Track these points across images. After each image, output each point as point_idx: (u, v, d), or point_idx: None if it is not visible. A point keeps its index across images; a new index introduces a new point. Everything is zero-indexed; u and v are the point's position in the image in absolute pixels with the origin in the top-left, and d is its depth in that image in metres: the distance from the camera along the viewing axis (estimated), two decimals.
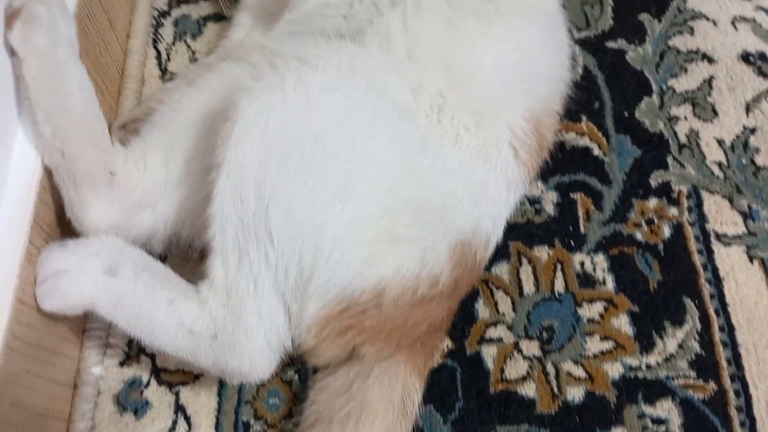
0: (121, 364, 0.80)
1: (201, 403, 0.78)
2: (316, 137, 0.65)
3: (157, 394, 0.79)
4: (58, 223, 0.71)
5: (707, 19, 1.05)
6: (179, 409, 0.78)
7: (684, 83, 1.00)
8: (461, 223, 0.72)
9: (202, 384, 0.79)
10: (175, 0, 1.04)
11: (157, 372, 0.80)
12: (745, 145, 0.96)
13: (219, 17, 1.03)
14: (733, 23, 1.05)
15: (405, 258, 0.67)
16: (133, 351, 0.80)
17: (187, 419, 0.78)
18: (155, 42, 1.00)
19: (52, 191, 0.70)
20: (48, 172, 0.69)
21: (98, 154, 0.69)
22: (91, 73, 0.81)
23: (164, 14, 1.03)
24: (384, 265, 0.66)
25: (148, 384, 0.79)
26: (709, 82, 1.00)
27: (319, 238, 0.64)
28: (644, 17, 1.05)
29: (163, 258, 0.80)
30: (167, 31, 1.01)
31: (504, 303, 0.85)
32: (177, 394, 0.79)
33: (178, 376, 0.79)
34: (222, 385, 0.79)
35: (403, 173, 0.68)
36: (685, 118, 0.98)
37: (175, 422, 0.77)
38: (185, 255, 0.80)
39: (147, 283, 0.67)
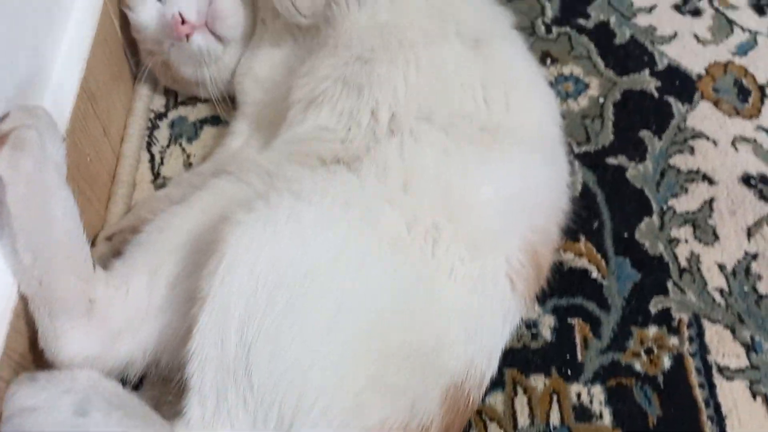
0: None
1: None
2: (305, 277, 0.62)
3: None
4: (30, 350, 0.68)
5: (707, 138, 1.04)
6: None
7: (684, 204, 0.99)
8: (454, 364, 0.69)
9: None
10: (172, 102, 1.03)
11: None
12: (747, 271, 0.93)
13: (216, 120, 1.03)
14: (733, 143, 1.04)
15: (393, 408, 0.64)
16: None
17: None
18: (149, 145, 0.99)
19: (27, 319, 0.67)
20: (23, 300, 0.66)
21: (78, 283, 0.66)
22: (79, 183, 0.80)
23: (161, 116, 1.02)
24: (370, 416, 0.62)
25: None
26: (709, 203, 0.99)
27: (302, 386, 0.61)
28: (645, 134, 1.05)
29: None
30: (162, 133, 1.00)
31: None
32: None
33: None
34: None
35: (394, 314, 0.65)
36: (686, 240, 0.96)
37: None
38: (163, 376, 0.77)
39: (119, 423, 0.63)
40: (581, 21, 1.18)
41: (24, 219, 0.64)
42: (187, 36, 0.86)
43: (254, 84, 0.94)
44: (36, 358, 0.69)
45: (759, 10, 1.20)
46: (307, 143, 0.80)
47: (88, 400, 0.63)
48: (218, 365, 0.62)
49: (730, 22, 1.18)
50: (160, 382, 0.77)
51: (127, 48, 0.97)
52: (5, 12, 0.69)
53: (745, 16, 1.19)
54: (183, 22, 0.85)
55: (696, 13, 1.19)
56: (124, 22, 0.94)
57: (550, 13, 1.18)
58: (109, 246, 0.84)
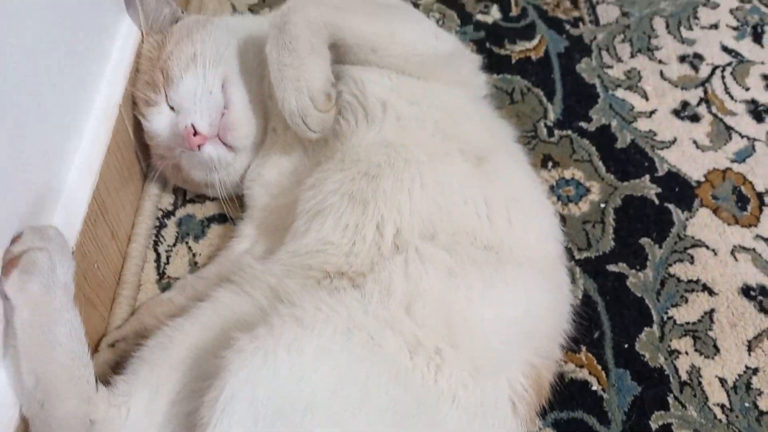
0: None
1: None
2: (305, 411, 0.63)
3: None
4: None
5: (707, 247, 1.06)
6: None
7: (685, 314, 0.99)
8: None
9: None
10: (180, 200, 1.05)
11: None
12: (748, 386, 0.93)
13: (223, 218, 1.04)
14: (733, 253, 1.05)
15: None
16: None
17: None
18: (156, 244, 1.00)
19: None
20: (24, 421, 0.66)
21: (79, 405, 0.67)
22: (85, 290, 0.81)
23: (168, 214, 1.04)
24: None
25: None
26: (710, 315, 0.99)
27: None
28: (645, 241, 1.06)
29: None
30: (169, 231, 1.02)
31: None
32: None
33: None
34: None
35: None
36: (686, 353, 0.96)
37: None
38: None
39: None
40: (583, 124, 1.21)
41: (29, 343, 0.65)
42: (199, 146, 0.89)
43: (263, 190, 0.96)
44: None
45: (757, 116, 1.23)
46: (312, 256, 0.81)
47: None
48: None
49: (729, 129, 1.21)
50: None
51: (139, 150, 0.99)
52: (20, 128, 0.71)
53: (743, 123, 1.22)
54: (195, 133, 0.88)
55: (695, 118, 1.22)
56: (137, 127, 0.96)
57: (552, 115, 1.21)
58: (112, 352, 0.85)
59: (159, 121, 0.93)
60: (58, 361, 0.66)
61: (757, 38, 1.35)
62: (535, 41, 1.33)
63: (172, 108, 0.92)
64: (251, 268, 0.84)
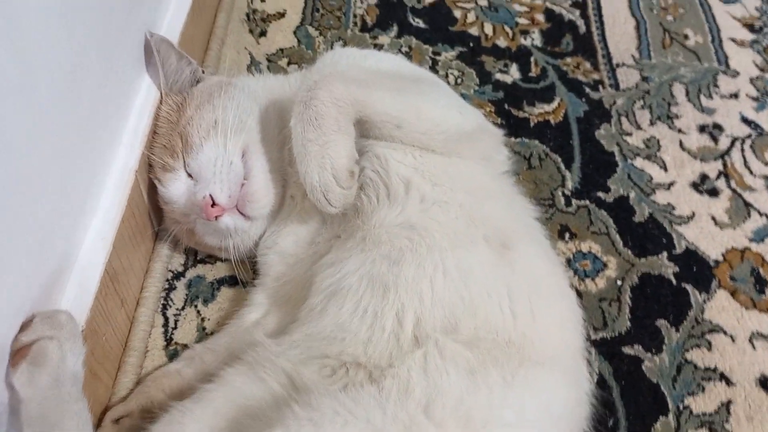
0: None
1: None
2: None
3: None
4: None
5: (725, 333, 1.04)
6: None
7: (701, 404, 0.98)
8: None
9: None
10: (191, 260, 1.03)
11: None
12: None
13: (234, 281, 1.02)
14: (751, 340, 1.04)
15: None
16: None
17: None
18: (164, 308, 0.98)
19: None
20: None
21: None
22: (91, 364, 0.79)
23: (178, 276, 1.02)
24: None
25: None
26: (726, 406, 0.98)
27: None
28: (661, 323, 1.05)
29: None
30: (179, 294, 1.00)
31: None
32: None
33: None
34: None
35: None
36: None
37: None
38: None
39: None
40: (601, 194, 1.19)
41: None
42: (216, 217, 0.87)
43: (278, 258, 0.95)
44: None
45: None
46: (329, 342, 0.79)
47: None
48: None
49: (748, 205, 1.20)
50: None
51: (152, 212, 0.97)
52: (36, 203, 0.69)
53: (762, 199, 1.21)
54: (213, 204, 0.86)
55: (713, 193, 1.22)
56: (152, 189, 0.94)
57: (570, 184, 1.20)
58: (116, 429, 0.82)
59: (176, 188, 0.91)
60: None
61: None
62: (554, 104, 1.32)
63: (189, 175, 0.91)
64: (264, 349, 0.82)
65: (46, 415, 0.64)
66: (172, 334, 0.97)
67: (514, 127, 1.28)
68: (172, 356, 0.95)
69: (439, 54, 1.40)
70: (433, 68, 1.36)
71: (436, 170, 0.88)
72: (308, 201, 0.91)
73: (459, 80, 1.35)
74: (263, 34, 1.37)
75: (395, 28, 1.44)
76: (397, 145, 0.89)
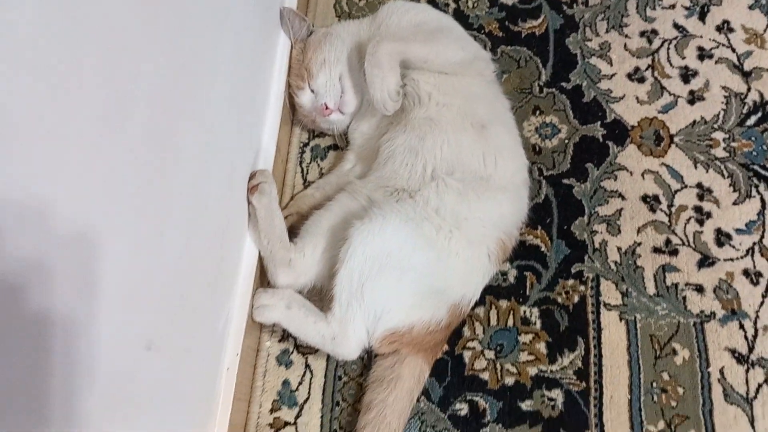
0: (279, 341, 1.62)
1: (318, 364, 1.60)
2: (389, 255, 1.44)
3: (296, 357, 1.61)
4: (264, 281, 1.54)
5: (627, 170, 1.79)
6: (307, 366, 1.60)
7: (605, 210, 1.75)
8: (455, 296, 1.52)
9: (319, 355, 1.61)
10: (312, 136, 1.84)
11: (297, 347, 1.62)
12: (633, 252, 1.69)
13: (336, 147, 1.83)
14: (642, 174, 1.76)
15: (424, 313, 1.47)
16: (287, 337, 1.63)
17: (311, 370, 1.60)
18: (300, 162, 1.80)
19: (261, 269, 1.52)
20: (260, 259, 1.51)
21: (284, 251, 1.52)
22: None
23: (305, 144, 1.83)
24: (414, 316, 1.46)
25: (292, 352, 1.62)
26: (620, 211, 1.74)
27: (386, 301, 1.44)
28: (588, 165, 1.78)
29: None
30: (307, 155, 1.83)
31: (478, 329, 1.63)
32: (306, 359, 1.61)
33: (308, 349, 1.61)
34: (329, 358, 1.61)
35: (426, 273, 1.47)
36: (601, 232, 1.71)
37: (304, 372, 1.60)
38: (320, 295, 1.61)
39: (305, 313, 1.49)
40: (564, 84, 1.89)
41: (263, 224, 1.52)
42: (327, 114, 1.65)
43: (359, 135, 1.75)
44: (267, 284, 1.54)
45: (685, 79, 1.86)
46: (389, 179, 1.60)
47: (291, 302, 1.50)
48: (348, 291, 1.46)
49: (663, 89, 1.86)
50: (318, 297, 1.61)
51: (290, 109, 1.76)
52: (236, 122, 1.50)
53: (674, 84, 1.87)
54: (326, 108, 1.63)
55: (641, 80, 1.88)
56: (291, 99, 1.73)
57: (543, 78, 1.90)
58: (286, 221, 1.68)
59: (305, 99, 1.71)
60: (275, 232, 1.51)
61: (702, 16, 1.93)
62: (540, 20, 1.97)
63: (312, 91, 1.68)
64: (355, 184, 1.64)
65: (266, 215, 1.50)
66: (306, 176, 1.81)
67: (510, 38, 1.95)
68: (306, 188, 1.78)
69: None
70: None
71: (446, 85, 1.63)
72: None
73: (474, 4, 2.00)
74: None
75: None
76: (424, 71, 1.63)
